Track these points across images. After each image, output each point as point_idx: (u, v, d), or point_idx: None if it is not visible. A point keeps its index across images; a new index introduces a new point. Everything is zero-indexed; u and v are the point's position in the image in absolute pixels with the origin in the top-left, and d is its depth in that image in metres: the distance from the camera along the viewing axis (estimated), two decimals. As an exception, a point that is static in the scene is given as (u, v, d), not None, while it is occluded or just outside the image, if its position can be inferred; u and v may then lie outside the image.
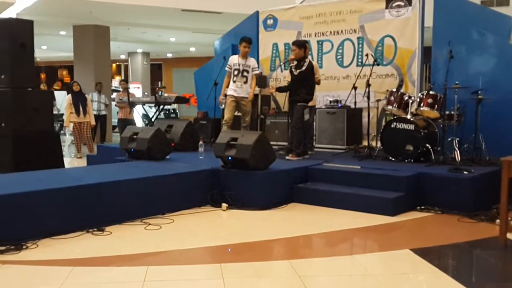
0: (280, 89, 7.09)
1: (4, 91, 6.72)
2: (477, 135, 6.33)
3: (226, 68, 7.53)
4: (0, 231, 3.89)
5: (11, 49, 6.68)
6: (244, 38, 7.40)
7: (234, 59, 7.46)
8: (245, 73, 7.37)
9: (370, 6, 8.10)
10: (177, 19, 13.71)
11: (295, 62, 6.77)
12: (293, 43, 6.90)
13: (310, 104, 6.90)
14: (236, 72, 7.37)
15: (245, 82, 7.37)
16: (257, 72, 7.50)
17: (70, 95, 10.61)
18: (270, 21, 9.27)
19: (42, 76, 25.73)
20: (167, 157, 6.61)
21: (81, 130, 10.48)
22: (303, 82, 6.73)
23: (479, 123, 6.32)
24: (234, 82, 7.37)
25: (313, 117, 7.60)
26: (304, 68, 6.70)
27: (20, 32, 6.78)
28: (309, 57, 7.18)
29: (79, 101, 10.38)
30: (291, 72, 6.87)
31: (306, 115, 6.71)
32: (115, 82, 20.18)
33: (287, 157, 6.68)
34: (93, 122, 10.77)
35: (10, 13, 11.48)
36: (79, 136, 10.55)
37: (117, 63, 26.37)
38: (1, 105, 6.74)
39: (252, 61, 7.44)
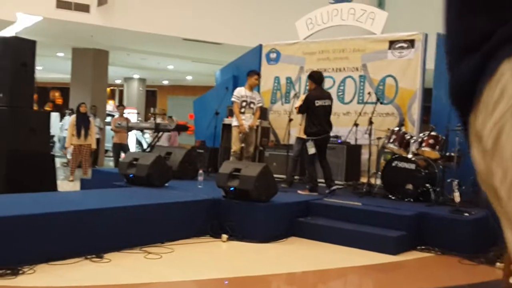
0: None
1: (2, 110, 6.62)
2: (476, 178, 6.32)
3: (234, 99, 7.58)
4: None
5: (12, 68, 6.61)
6: (256, 71, 7.57)
7: (241, 91, 7.57)
8: (252, 105, 7.53)
9: (374, 46, 8.19)
10: (177, 48, 13.78)
11: None
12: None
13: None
14: (244, 104, 7.50)
15: (253, 114, 7.55)
16: (261, 104, 7.67)
17: (74, 115, 10.51)
18: (273, 55, 9.33)
19: (35, 96, 25.51)
20: (166, 184, 6.53)
21: (81, 153, 10.30)
22: (305, 116, 6.78)
23: (479, 166, 6.33)
24: (243, 113, 7.47)
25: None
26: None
27: (22, 51, 6.73)
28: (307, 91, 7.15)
29: (82, 123, 10.22)
30: None
31: (310, 149, 6.60)
32: (109, 106, 20.11)
33: (299, 191, 6.64)
34: (94, 146, 10.65)
35: (9, 32, 11.40)
36: (76, 158, 10.35)
37: (112, 88, 26.35)
38: (-1, 124, 6.65)
39: (257, 94, 7.69)
